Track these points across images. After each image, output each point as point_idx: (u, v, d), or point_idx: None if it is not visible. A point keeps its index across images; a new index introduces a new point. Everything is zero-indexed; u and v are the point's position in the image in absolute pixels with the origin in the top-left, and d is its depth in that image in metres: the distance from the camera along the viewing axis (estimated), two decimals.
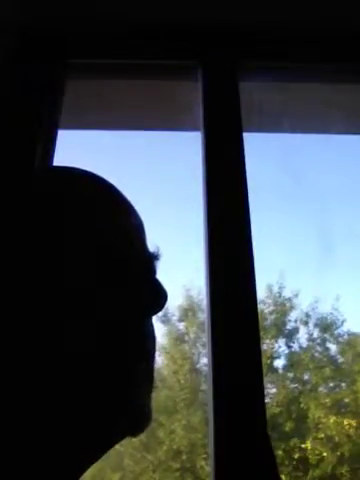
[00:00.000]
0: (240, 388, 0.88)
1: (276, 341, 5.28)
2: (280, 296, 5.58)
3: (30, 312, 0.34)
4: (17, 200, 0.39)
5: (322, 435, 4.56)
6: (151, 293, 0.38)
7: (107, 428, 0.35)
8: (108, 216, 0.39)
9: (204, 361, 4.96)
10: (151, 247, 0.43)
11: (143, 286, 0.38)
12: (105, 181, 0.42)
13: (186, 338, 5.37)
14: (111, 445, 0.36)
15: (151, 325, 0.40)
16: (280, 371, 5.17)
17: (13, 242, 0.37)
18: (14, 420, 0.34)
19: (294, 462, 4.44)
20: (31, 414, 0.33)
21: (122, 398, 0.35)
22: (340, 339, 5.32)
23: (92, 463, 0.36)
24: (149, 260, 0.41)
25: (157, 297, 0.38)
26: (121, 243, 0.39)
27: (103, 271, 0.37)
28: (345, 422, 4.58)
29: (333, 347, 5.28)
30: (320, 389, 4.95)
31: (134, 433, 0.36)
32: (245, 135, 1.14)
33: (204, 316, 1.13)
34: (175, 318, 5.42)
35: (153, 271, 0.41)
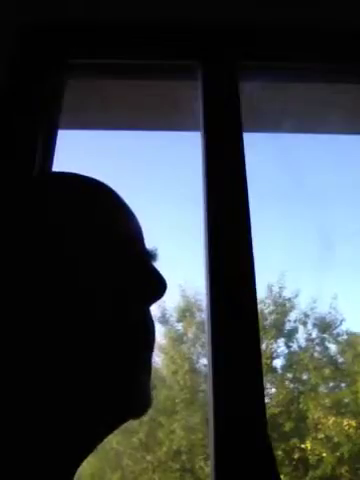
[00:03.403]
0: (240, 388, 0.88)
1: (276, 341, 5.28)
2: (280, 296, 5.58)
3: (33, 312, 0.36)
4: (18, 202, 0.40)
5: (322, 435, 4.57)
6: (150, 281, 0.41)
7: (112, 409, 0.37)
8: (108, 219, 0.42)
9: (203, 361, 4.97)
10: (149, 247, 0.45)
11: (142, 275, 0.40)
12: (105, 185, 0.45)
13: (185, 338, 5.37)
14: (116, 425, 0.39)
15: (151, 317, 0.42)
16: (279, 371, 5.17)
17: (14, 243, 0.38)
18: (19, 410, 0.35)
19: (294, 462, 4.44)
20: (39, 397, 0.35)
21: (127, 380, 0.37)
22: (339, 339, 5.33)
23: (98, 443, 0.39)
24: (147, 258, 0.44)
25: (157, 284, 0.41)
26: (121, 244, 0.41)
27: (104, 267, 0.39)
28: (345, 422, 4.59)
29: (332, 347, 5.29)
30: (320, 389, 4.95)
31: (137, 415, 0.39)
32: (245, 135, 1.14)
33: (203, 316, 1.13)
34: (173, 319, 5.42)
35: (151, 265, 0.44)
